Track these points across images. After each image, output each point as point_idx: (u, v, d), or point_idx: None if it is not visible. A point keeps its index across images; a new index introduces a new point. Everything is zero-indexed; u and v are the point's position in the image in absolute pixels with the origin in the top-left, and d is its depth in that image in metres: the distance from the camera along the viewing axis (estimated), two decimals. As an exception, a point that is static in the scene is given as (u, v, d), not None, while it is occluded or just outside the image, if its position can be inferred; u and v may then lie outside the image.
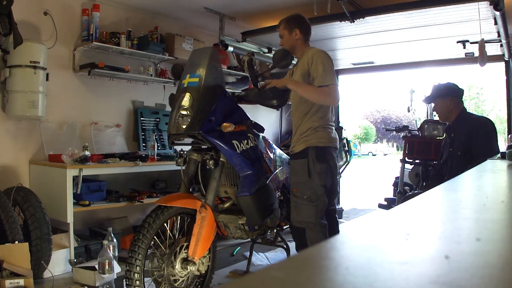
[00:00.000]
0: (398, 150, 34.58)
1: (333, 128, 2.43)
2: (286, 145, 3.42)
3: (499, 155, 2.10)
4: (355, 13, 3.31)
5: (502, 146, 3.02)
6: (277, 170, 2.66)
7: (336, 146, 2.41)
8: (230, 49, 3.94)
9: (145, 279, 2.08)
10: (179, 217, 2.24)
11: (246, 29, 4.06)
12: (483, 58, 3.29)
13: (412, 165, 3.75)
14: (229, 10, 3.84)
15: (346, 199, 5.60)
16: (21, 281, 2.30)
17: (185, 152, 2.38)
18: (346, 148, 3.53)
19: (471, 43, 3.72)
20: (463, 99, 2.83)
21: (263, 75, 4.67)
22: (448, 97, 2.75)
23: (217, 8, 3.79)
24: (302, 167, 2.33)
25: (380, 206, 4.05)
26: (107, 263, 2.42)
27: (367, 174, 14.67)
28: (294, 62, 2.65)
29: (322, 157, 2.32)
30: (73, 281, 2.63)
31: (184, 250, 2.17)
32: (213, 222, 2.21)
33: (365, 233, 0.54)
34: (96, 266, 2.49)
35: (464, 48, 3.85)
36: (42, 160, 3.18)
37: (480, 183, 1.20)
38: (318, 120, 2.35)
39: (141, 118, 3.90)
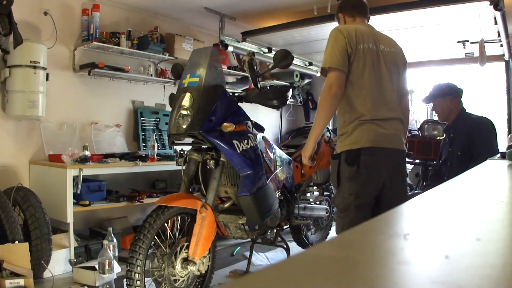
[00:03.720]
0: (398, 150, 34.46)
1: (372, 122, 1.89)
2: (286, 145, 3.43)
3: (499, 155, 2.10)
4: (355, 13, 3.31)
5: (502, 146, 3.01)
6: (277, 170, 2.66)
7: (375, 145, 1.88)
8: (230, 49, 3.94)
9: (146, 279, 2.08)
10: (179, 217, 2.24)
11: (246, 29, 4.06)
12: (483, 58, 3.29)
13: (412, 165, 3.75)
14: (229, 10, 3.84)
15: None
16: (21, 281, 2.30)
17: (186, 152, 2.38)
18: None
19: (471, 43, 3.72)
20: (462, 99, 2.84)
21: (263, 75, 4.68)
22: (449, 96, 2.76)
23: (217, 8, 3.78)
24: (333, 171, 2.01)
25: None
26: (107, 263, 2.43)
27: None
28: (295, 62, 2.63)
29: (353, 160, 1.89)
30: (73, 281, 2.64)
31: (185, 250, 2.17)
32: (214, 222, 2.21)
33: (365, 233, 0.54)
34: (96, 266, 2.49)
35: (464, 48, 3.85)
36: (42, 160, 3.18)
37: (480, 183, 1.20)
38: (347, 118, 1.95)
39: (141, 118, 3.90)
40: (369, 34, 1.99)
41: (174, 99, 2.30)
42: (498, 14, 2.92)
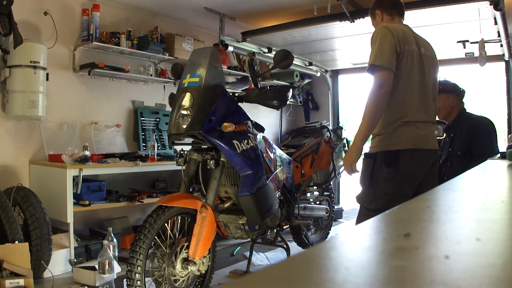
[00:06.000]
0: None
1: (412, 124, 1.91)
2: (286, 145, 3.43)
3: (499, 155, 2.10)
4: (355, 13, 3.31)
5: (502, 146, 3.02)
6: (277, 170, 2.66)
7: (414, 147, 1.90)
8: (230, 49, 3.94)
9: (146, 279, 2.09)
10: (179, 217, 2.24)
11: (246, 29, 4.06)
12: (483, 58, 3.29)
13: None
14: (229, 10, 3.84)
15: (346, 199, 5.59)
16: (21, 281, 2.30)
17: (186, 152, 2.38)
18: (346, 148, 3.53)
19: (471, 43, 3.72)
20: (463, 100, 2.84)
21: (263, 75, 4.68)
22: (452, 94, 2.77)
23: (217, 8, 3.79)
24: (365, 170, 1.97)
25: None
26: (107, 263, 2.42)
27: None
28: (295, 62, 2.63)
29: (392, 162, 1.89)
30: (73, 281, 2.64)
31: (185, 250, 2.17)
32: (214, 222, 2.21)
33: (365, 233, 0.54)
34: (96, 266, 2.49)
35: (464, 48, 3.85)
36: (42, 160, 3.18)
37: (480, 183, 1.20)
38: (387, 119, 1.92)
39: (141, 118, 3.90)
40: (411, 35, 1.97)
41: (174, 99, 2.30)
42: (498, 14, 2.93)
